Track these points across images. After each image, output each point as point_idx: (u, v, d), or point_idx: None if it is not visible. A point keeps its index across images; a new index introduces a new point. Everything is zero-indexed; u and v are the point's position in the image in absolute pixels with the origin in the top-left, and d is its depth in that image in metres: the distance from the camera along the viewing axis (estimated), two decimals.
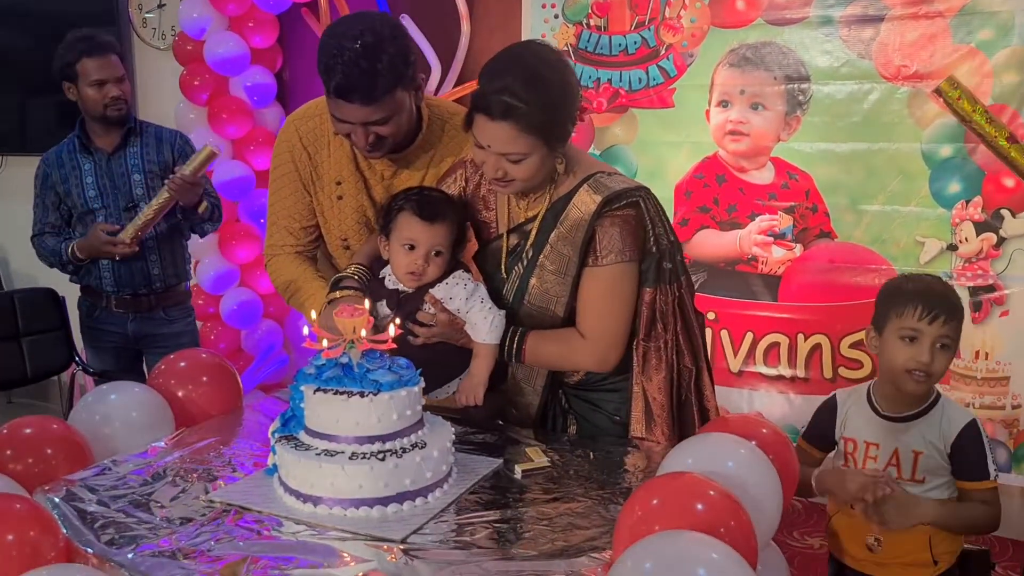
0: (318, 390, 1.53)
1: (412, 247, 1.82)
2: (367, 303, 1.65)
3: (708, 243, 3.40)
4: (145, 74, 4.47)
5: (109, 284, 2.93)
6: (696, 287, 3.36)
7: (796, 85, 3.19)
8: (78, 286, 3.04)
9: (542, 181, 1.80)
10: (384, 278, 1.89)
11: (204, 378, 1.98)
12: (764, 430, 1.65)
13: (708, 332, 3.41)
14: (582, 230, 1.77)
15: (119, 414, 1.80)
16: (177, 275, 3.06)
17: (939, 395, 1.82)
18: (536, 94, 1.66)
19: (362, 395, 1.50)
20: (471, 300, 1.82)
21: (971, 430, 1.76)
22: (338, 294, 1.87)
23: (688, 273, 1.87)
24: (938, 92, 2.54)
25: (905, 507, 1.74)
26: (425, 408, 1.63)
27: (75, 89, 2.88)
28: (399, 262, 1.84)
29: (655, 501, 1.30)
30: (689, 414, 1.85)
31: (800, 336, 3.30)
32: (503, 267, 1.89)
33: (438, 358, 1.85)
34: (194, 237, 3.79)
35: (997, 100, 2.92)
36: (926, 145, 3.04)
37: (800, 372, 3.31)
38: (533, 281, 1.84)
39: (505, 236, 1.89)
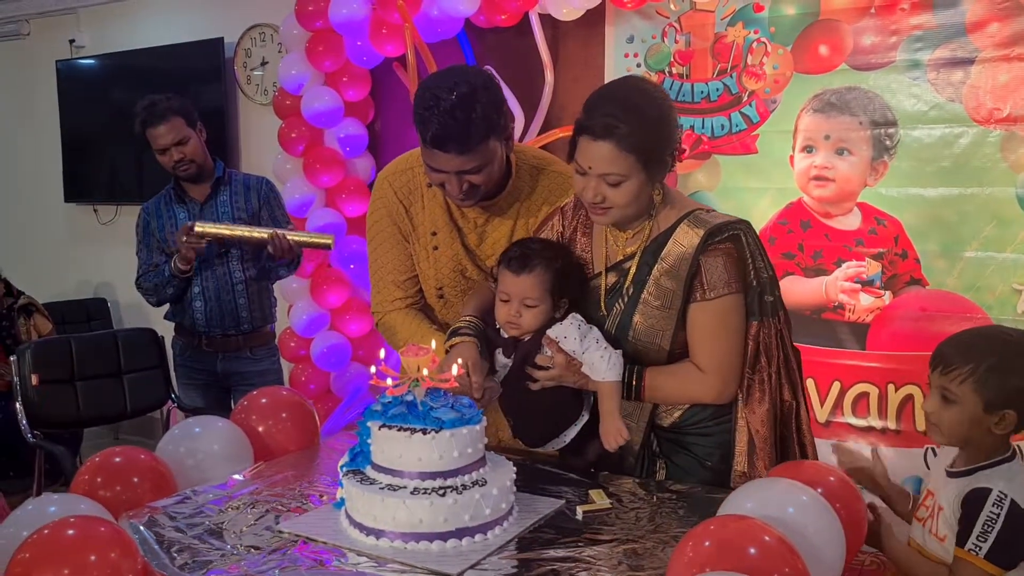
0: (383, 426, 1.58)
1: (506, 299, 1.86)
2: (473, 351, 1.77)
3: (793, 290, 3.34)
4: (248, 128, 4.73)
5: (201, 324, 3.09)
6: None
7: (883, 130, 3.14)
8: (172, 325, 3.20)
9: (638, 213, 1.83)
10: (500, 328, 1.93)
11: (283, 415, 2.06)
12: (832, 478, 1.62)
13: None
14: (687, 264, 1.80)
15: (202, 447, 1.89)
16: (264, 317, 3.20)
17: (1005, 460, 1.66)
18: (636, 117, 1.72)
19: (424, 432, 1.55)
20: (586, 340, 1.82)
21: (977, 494, 1.61)
22: (456, 340, 1.90)
23: (786, 308, 1.88)
24: None
25: (882, 531, 1.70)
26: (488, 448, 1.67)
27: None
28: (499, 313, 1.88)
29: (707, 543, 1.29)
30: (791, 448, 1.84)
31: (891, 386, 3.19)
32: (603, 305, 1.90)
33: (554, 408, 1.90)
34: (287, 282, 3.99)
35: None
36: (1021, 189, 2.93)
37: (891, 424, 3.20)
38: (637, 318, 1.85)
39: (603, 274, 1.91)
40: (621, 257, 1.89)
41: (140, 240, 3.17)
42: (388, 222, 2.14)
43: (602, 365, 1.80)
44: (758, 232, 3.25)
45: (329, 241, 2.98)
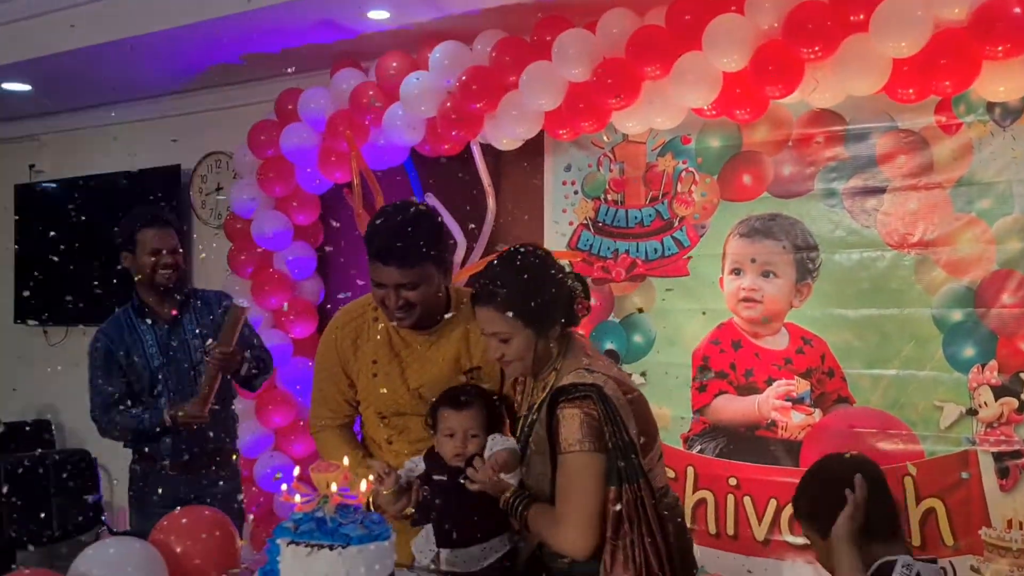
0: (291, 543, 1.59)
1: (451, 434, 2.06)
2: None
3: (727, 408, 3.41)
4: (201, 250, 4.82)
5: (167, 450, 3.00)
6: (716, 452, 3.41)
7: (805, 254, 3.29)
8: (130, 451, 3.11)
9: (540, 363, 1.98)
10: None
11: (203, 535, 2.05)
12: None
13: (731, 499, 3.37)
14: (548, 417, 1.91)
15: (114, 570, 1.87)
16: (228, 435, 3.15)
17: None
18: (512, 281, 1.93)
19: (331, 548, 1.56)
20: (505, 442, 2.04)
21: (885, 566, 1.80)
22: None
23: (647, 476, 1.87)
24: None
25: None
26: (403, 565, 1.68)
27: (131, 258, 3.00)
28: (445, 449, 2.08)
29: None
30: None
31: None
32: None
33: (480, 508, 2.01)
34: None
35: (1002, 266, 2.96)
36: (936, 310, 3.07)
37: None
38: (528, 462, 1.98)
39: (521, 420, 2.07)
40: (532, 404, 2.03)
41: (99, 368, 3.00)
42: (334, 355, 2.34)
43: (497, 445, 2.00)
44: (692, 352, 3.44)
45: (237, 306, 2.95)
